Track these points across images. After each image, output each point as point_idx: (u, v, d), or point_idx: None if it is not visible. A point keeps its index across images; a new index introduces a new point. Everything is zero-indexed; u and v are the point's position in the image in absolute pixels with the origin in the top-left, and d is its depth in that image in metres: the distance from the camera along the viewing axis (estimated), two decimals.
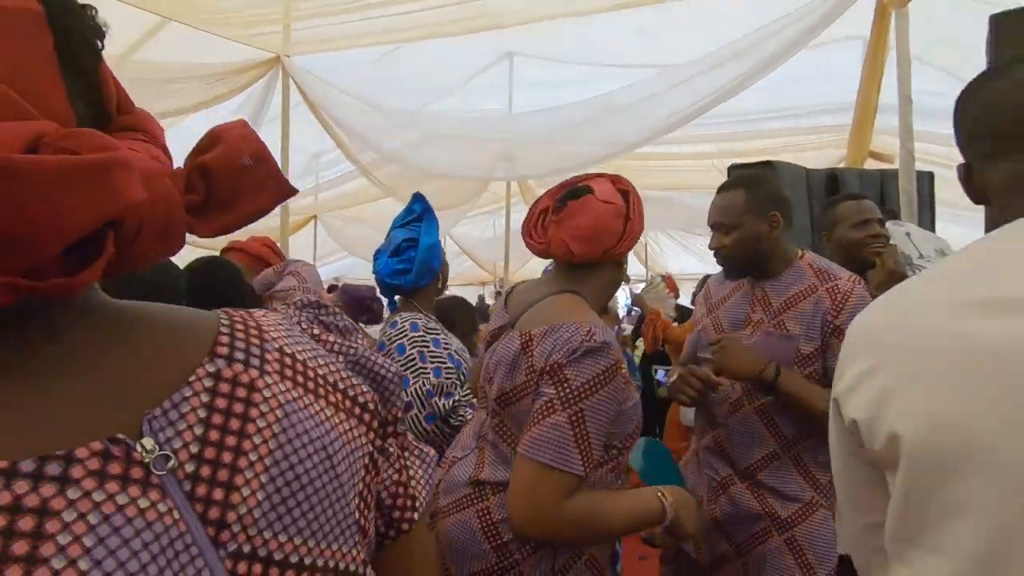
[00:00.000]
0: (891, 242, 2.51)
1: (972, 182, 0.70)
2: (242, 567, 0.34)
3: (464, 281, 10.18)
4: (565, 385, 0.92)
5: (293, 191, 0.39)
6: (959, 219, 4.44)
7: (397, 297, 1.84)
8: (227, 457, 0.35)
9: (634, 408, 1.01)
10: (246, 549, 0.34)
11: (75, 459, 0.29)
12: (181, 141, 0.42)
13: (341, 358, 0.45)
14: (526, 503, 0.91)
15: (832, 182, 3.18)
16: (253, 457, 0.35)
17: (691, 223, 7.58)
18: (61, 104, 0.30)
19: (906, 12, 2.52)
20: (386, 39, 4.03)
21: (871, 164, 4.78)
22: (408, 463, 0.47)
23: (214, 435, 0.35)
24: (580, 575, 1.00)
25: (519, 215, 7.69)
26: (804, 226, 3.02)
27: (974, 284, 0.58)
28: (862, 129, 3.62)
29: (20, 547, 0.26)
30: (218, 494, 0.34)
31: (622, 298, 10.04)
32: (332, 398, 0.41)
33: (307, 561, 0.36)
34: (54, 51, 0.29)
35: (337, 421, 0.41)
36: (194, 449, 0.34)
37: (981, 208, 2.68)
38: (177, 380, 0.35)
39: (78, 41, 0.31)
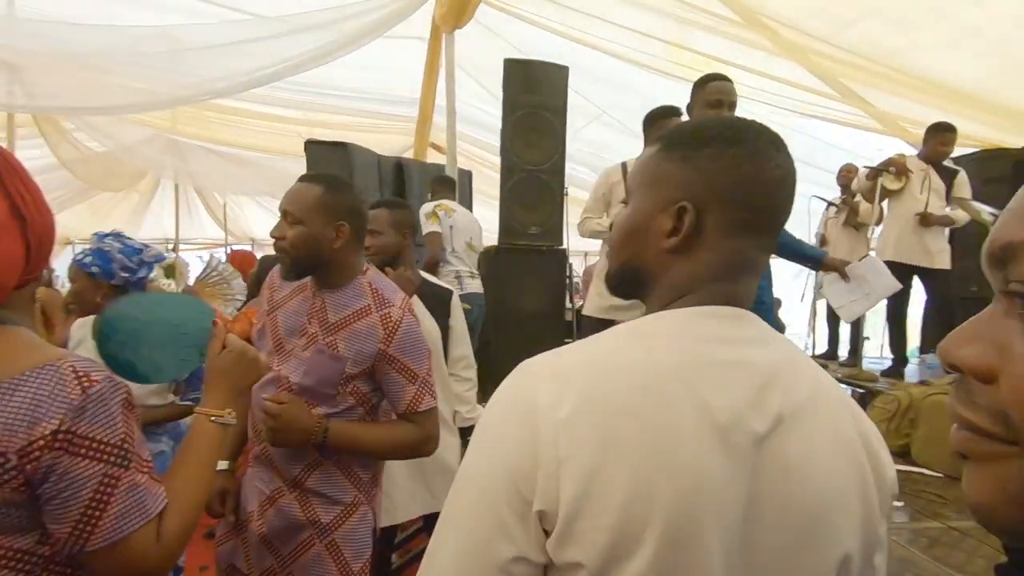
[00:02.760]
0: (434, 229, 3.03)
1: (690, 231, 0.58)
2: None
3: None
4: (101, 449, 0.71)
5: None
6: (489, 205, 5.75)
7: None
8: None
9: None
10: None
11: None
12: None
13: None
14: None
15: (399, 170, 3.57)
16: None
17: (277, 188, 7.28)
18: None
19: (453, 37, 3.02)
20: None
21: (435, 155, 5.64)
22: None
23: None
24: None
25: (33, 153, 5.72)
26: None
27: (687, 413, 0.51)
28: (423, 127, 4.17)
29: None
30: None
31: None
32: None
33: None
34: None
35: None
36: None
37: (495, 194, 3.36)
38: None
39: None
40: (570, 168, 3.51)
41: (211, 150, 6.35)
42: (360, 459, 1.31)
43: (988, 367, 0.30)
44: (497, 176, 4.59)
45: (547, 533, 0.49)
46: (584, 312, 2.66)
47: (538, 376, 0.54)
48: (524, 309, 3.14)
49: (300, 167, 4.30)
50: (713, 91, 2.12)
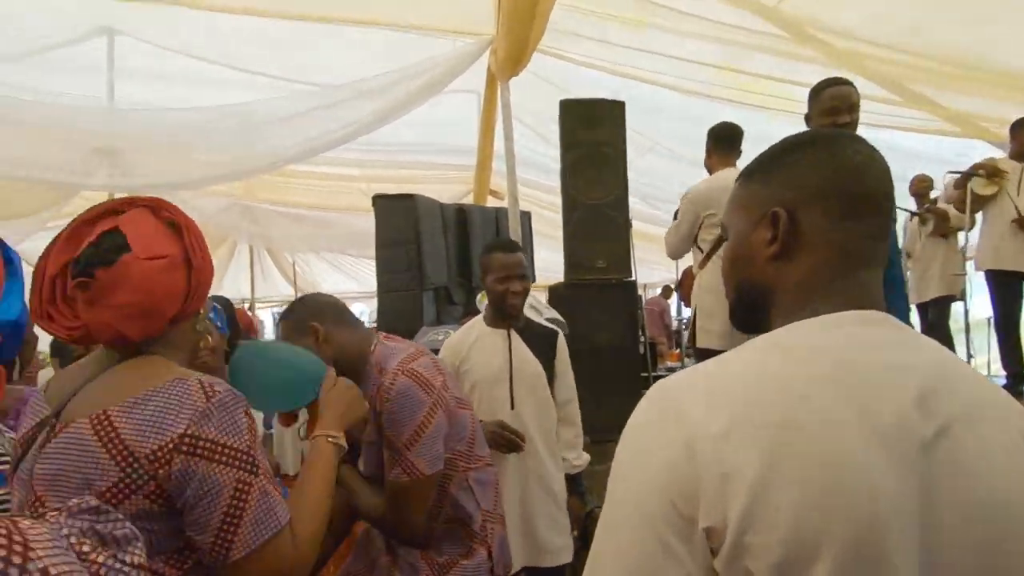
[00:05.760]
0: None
1: (787, 232, 0.59)
2: None
3: None
4: (231, 454, 0.75)
5: None
6: (549, 248, 5.80)
7: None
8: None
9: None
10: None
11: None
12: None
13: None
14: None
15: (461, 215, 3.66)
16: None
17: (344, 243, 7.61)
18: None
19: (508, 85, 3.13)
20: None
21: (491, 200, 5.77)
22: None
23: None
24: None
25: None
26: (441, 255, 3.38)
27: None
28: (482, 173, 4.29)
29: None
30: None
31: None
32: None
33: None
34: None
35: None
36: None
37: (559, 234, 3.35)
38: None
39: None
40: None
41: (281, 212, 6.76)
42: (468, 510, 1.32)
43: None
44: (554, 216, 4.60)
45: (713, 552, 0.48)
46: (701, 346, 2.55)
47: (681, 394, 0.54)
48: (597, 345, 3.08)
49: (364, 221, 4.48)
50: (828, 98, 2.00)
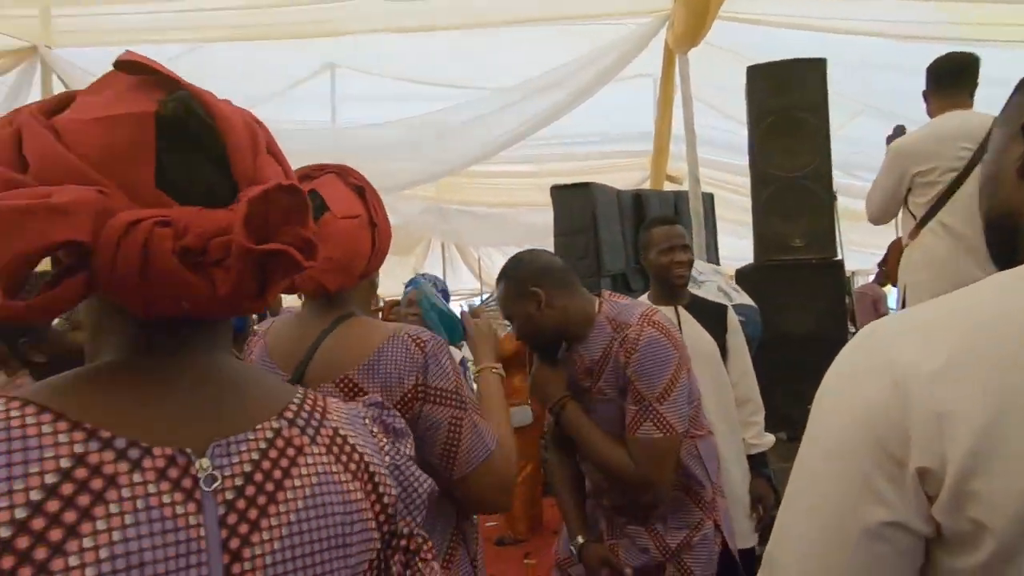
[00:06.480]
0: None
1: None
2: None
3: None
4: (442, 394, 0.89)
5: None
6: (732, 233, 5.38)
7: None
8: (262, 500, 0.41)
9: None
10: None
11: (151, 453, 0.38)
12: None
13: (387, 458, 0.50)
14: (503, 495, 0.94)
15: (638, 201, 3.58)
16: (283, 508, 0.41)
17: (522, 238, 7.96)
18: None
19: (687, 58, 2.96)
20: (174, 37, 3.60)
21: (667, 185, 5.55)
22: None
23: (258, 477, 0.41)
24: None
25: None
26: (618, 241, 3.35)
27: None
28: (660, 156, 4.14)
29: (82, 500, 0.35)
30: (243, 528, 0.39)
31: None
32: (366, 485, 0.47)
33: None
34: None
35: (363, 506, 0.46)
36: (239, 482, 0.40)
37: (748, 222, 2.99)
38: (247, 425, 0.43)
39: None
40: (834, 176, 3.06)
41: (466, 211, 7.32)
42: (699, 478, 1.30)
43: None
44: (737, 198, 4.23)
45: (930, 499, 0.44)
46: None
47: (892, 334, 0.49)
48: (793, 333, 2.78)
49: (540, 216, 4.62)
50: None
